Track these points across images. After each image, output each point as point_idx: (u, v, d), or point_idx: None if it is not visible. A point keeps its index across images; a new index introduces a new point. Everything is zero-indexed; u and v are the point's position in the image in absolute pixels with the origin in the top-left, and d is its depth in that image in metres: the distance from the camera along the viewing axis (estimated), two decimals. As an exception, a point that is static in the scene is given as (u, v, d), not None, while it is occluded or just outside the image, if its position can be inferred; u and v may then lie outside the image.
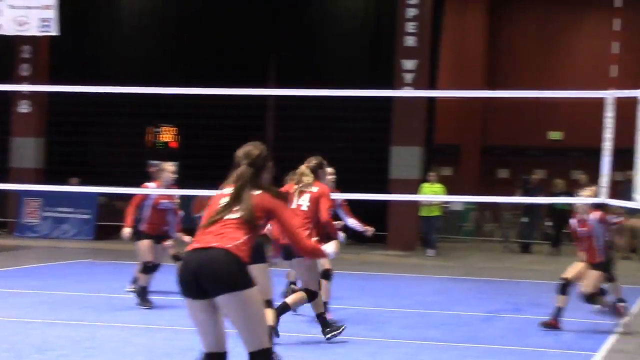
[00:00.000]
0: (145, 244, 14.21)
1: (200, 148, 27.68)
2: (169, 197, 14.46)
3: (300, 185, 11.91)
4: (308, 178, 11.92)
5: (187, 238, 14.95)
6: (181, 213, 16.30)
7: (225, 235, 6.64)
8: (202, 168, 25.58)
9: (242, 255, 6.61)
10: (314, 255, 7.02)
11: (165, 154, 27.83)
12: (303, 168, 12.07)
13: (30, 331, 12.12)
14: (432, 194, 24.26)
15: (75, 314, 13.50)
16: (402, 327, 13.12)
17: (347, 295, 15.38)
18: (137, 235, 14.31)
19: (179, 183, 15.68)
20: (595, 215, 13.31)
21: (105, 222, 27.26)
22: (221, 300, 6.54)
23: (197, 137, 28.07)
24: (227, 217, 6.75)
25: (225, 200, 6.85)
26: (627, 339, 12.75)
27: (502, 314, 15.08)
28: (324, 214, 11.71)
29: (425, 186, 24.64)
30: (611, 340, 12.67)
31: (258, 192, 6.88)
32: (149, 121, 27.76)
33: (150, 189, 14.23)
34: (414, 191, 23.61)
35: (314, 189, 11.83)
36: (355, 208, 14.19)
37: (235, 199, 6.82)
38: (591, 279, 13.19)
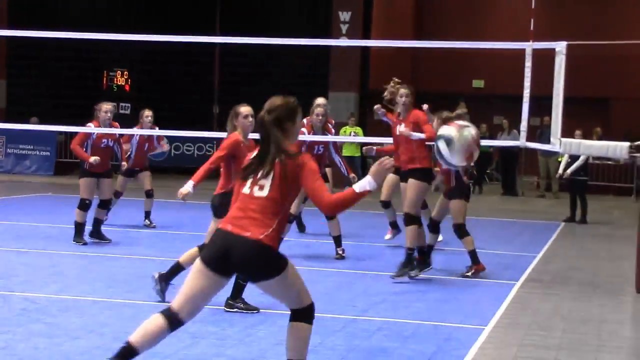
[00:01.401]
0: (84, 182, 13.59)
1: (151, 91, 27.50)
2: (110, 135, 13.78)
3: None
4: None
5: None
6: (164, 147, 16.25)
7: (256, 221, 5.98)
8: (153, 110, 25.43)
9: (274, 244, 6.00)
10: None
11: (119, 96, 27.66)
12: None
13: (-3, 259, 12.07)
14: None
15: (38, 244, 13.42)
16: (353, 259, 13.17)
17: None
18: (81, 172, 13.73)
19: (133, 123, 15.63)
20: None
21: (63, 159, 27.13)
22: (260, 284, 6.10)
23: (148, 81, 27.85)
24: (255, 193, 6.05)
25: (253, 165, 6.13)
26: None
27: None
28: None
29: (346, 128, 24.51)
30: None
31: (283, 156, 6.03)
32: (104, 65, 27.43)
33: (93, 128, 13.57)
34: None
35: None
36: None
37: (261, 165, 6.08)
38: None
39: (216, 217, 9.35)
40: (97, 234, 13.85)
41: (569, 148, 12.00)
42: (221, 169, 9.75)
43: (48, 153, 26.94)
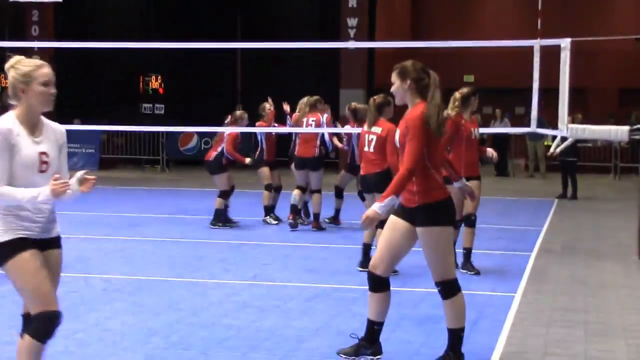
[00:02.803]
0: (225, 176, 13.62)
1: (182, 93, 27.36)
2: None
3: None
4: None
5: None
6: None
7: None
8: (184, 109, 25.35)
9: None
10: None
11: (154, 98, 27.51)
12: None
13: (70, 245, 11.88)
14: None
15: (102, 231, 13.33)
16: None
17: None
18: (219, 169, 13.69)
19: (164, 122, 15.47)
20: None
21: (106, 155, 27.01)
22: None
23: (179, 84, 27.69)
24: None
25: None
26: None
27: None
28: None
29: None
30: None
31: None
32: (140, 71, 27.23)
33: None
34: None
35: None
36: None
37: None
38: None
39: None
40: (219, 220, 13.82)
41: (575, 133, 11.89)
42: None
43: (93, 150, 26.77)
